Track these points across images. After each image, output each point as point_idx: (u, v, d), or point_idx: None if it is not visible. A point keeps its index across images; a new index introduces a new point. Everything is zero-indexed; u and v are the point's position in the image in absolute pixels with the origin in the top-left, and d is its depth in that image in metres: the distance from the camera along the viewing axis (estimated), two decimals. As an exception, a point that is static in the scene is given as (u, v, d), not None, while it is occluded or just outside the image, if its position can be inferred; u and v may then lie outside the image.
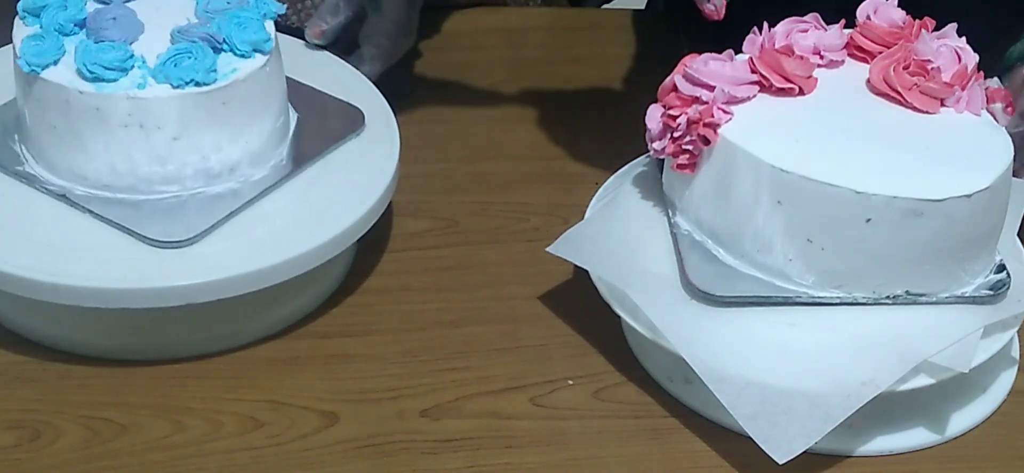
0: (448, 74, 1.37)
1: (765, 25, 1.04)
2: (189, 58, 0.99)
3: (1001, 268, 1.00)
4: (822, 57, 1.04)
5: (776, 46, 1.02)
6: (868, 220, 0.94)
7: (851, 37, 1.05)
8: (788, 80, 1.00)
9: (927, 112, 1.00)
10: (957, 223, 0.95)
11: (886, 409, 0.98)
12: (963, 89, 1.01)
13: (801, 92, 1.01)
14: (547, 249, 1.03)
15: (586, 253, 1.02)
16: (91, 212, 1.00)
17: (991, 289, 0.99)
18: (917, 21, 1.05)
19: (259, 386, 1.00)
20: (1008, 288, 0.99)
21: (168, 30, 1.02)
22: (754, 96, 1.00)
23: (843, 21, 1.05)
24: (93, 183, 1.01)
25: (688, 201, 1.02)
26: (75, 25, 1.01)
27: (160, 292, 0.96)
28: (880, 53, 1.03)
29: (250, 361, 1.02)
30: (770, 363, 0.94)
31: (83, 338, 1.01)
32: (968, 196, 0.94)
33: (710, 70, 0.99)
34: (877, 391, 0.93)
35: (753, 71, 1.01)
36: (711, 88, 0.99)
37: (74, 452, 0.94)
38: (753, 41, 1.03)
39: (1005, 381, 1.04)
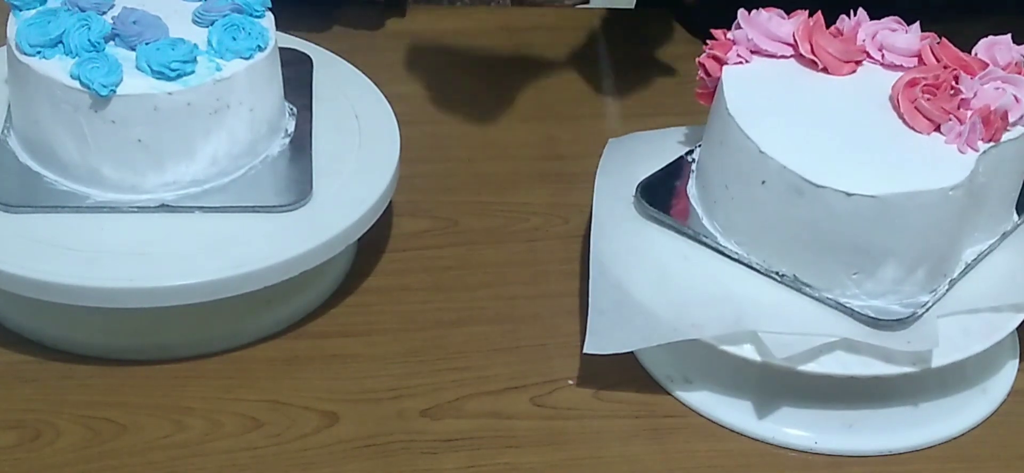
0: (448, 74, 1.37)
1: (861, 9, 1.06)
2: (240, 30, 1.00)
3: (918, 306, 0.96)
4: (883, 55, 1.05)
5: (845, 28, 1.05)
6: (763, 182, 0.97)
7: (923, 49, 1.04)
8: (814, 54, 1.03)
9: (915, 130, 0.99)
10: (837, 219, 0.94)
11: (886, 408, 0.98)
12: (962, 122, 0.97)
13: (827, 71, 1.03)
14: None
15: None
16: (200, 208, 1.01)
17: (875, 313, 0.96)
18: (1014, 64, 1.03)
19: (259, 386, 1.00)
20: (898, 322, 0.96)
21: (187, 16, 1.03)
22: (788, 57, 1.05)
23: (930, 32, 1.05)
24: (184, 184, 1.01)
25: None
26: (106, 40, 1.00)
27: (159, 292, 0.96)
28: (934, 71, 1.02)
29: (250, 361, 1.02)
30: (645, 278, 0.99)
31: (83, 338, 1.01)
32: (847, 194, 0.94)
33: (751, 18, 1.05)
34: (698, 335, 0.95)
35: (792, 36, 1.05)
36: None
37: (74, 452, 0.94)
38: (842, 21, 1.06)
39: (1005, 381, 1.04)
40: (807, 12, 1.06)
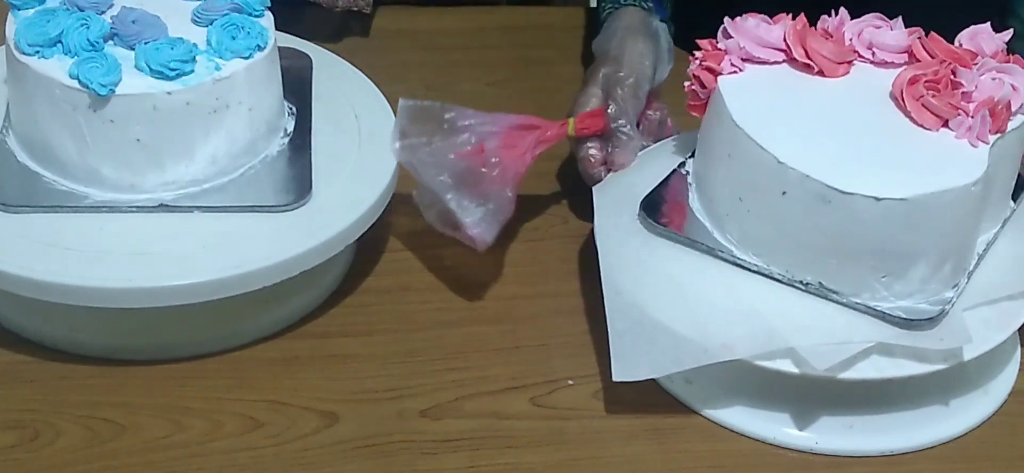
0: (448, 74, 1.37)
1: (842, 9, 1.06)
2: (239, 29, 1.00)
3: (944, 303, 0.97)
4: (874, 53, 1.04)
5: (829, 28, 1.05)
6: (784, 192, 0.96)
7: (912, 44, 1.04)
8: (809, 57, 1.03)
9: (924, 127, 0.99)
10: (865, 225, 0.94)
11: (886, 408, 0.98)
12: (970, 116, 0.98)
13: (822, 73, 1.03)
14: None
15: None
16: (200, 208, 1.01)
17: (906, 314, 0.96)
18: (1000, 52, 1.03)
19: (259, 386, 1.00)
20: (929, 321, 0.96)
21: (186, 15, 1.03)
22: (780, 63, 1.04)
23: (913, 26, 1.05)
24: (183, 184, 1.01)
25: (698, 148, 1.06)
26: (104, 39, 0.99)
27: (159, 292, 0.96)
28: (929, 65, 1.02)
29: (250, 361, 1.02)
30: (663, 296, 0.98)
31: (83, 338, 1.01)
32: (876, 199, 0.93)
33: (738, 25, 1.04)
34: (731, 356, 0.94)
35: (784, 41, 1.04)
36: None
37: (74, 452, 0.94)
38: (824, 21, 1.06)
39: (1006, 381, 1.04)
40: (791, 15, 1.05)
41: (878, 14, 1.06)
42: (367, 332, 1.05)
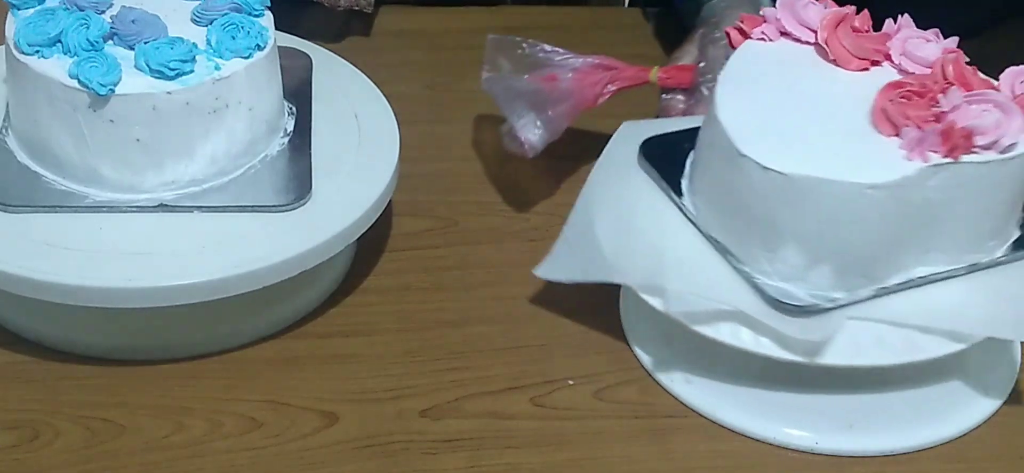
0: (450, 74, 1.37)
1: (906, 16, 1.05)
2: (239, 29, 1.00)
3: (826, 300, 0.95)
4: (902, 61, 1.03)
5: (888, 33, 1.05)
6: (711, 145, 0.99)
7: (936, 62, 1.01)
8: (827, 43, 1.04)
9: (880, 131, 0.97)
10: (752, 191, 0.95)
11: (886, 408, 0.98)
12: (919, 128, 0.95)
13: (836, 63, 1.04)
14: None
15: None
16: (199, 208, 1.01)
17: (778, 295, 0.95)
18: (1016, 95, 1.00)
19: (259, 386, 1.00)
20: (797, 309, 0.95)
21: (186, 15, 1.03)
22: (809, 43, 1.05)
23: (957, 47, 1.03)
24: (183, 184, 1.01)
25: None
26: (104, 39, 0.99)
27: (159, 292, 0.96)
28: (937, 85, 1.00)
29: (250, 361, 1.02)
30: (613, 221, 1.02)
31: (83, 338, 1.01)
32: (762, 167, 0.93)
33: (788, 1, 1.06)
34: (620, 281, 0.99)
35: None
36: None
37: (73, 452, 0.94)
38: (888, 24, 1.06)
39: (1005, 381, 1.04)
40: (854, 8, 1.05)
41: (937, 30, 1.04)
42: (367, 332, 1.05)
